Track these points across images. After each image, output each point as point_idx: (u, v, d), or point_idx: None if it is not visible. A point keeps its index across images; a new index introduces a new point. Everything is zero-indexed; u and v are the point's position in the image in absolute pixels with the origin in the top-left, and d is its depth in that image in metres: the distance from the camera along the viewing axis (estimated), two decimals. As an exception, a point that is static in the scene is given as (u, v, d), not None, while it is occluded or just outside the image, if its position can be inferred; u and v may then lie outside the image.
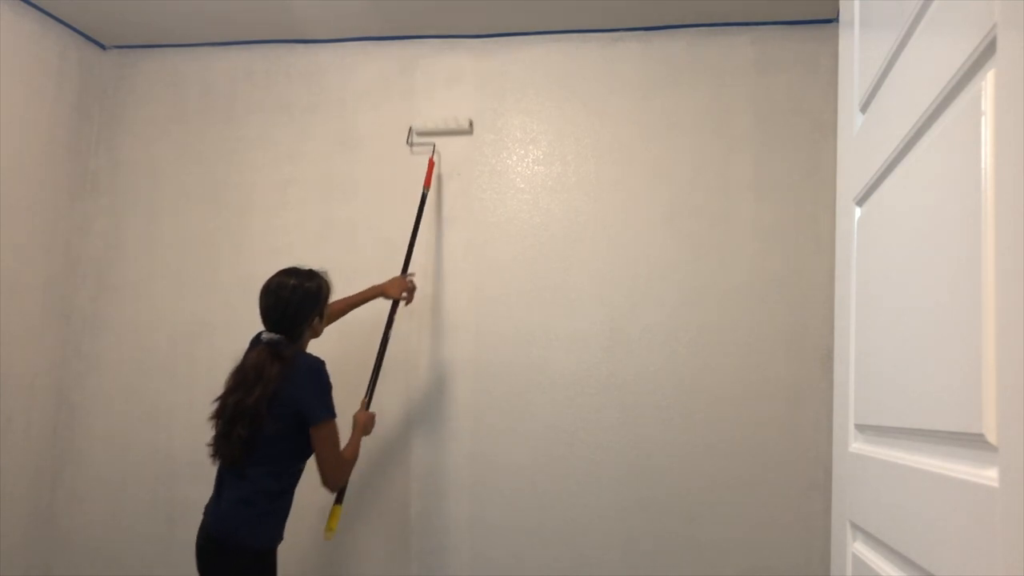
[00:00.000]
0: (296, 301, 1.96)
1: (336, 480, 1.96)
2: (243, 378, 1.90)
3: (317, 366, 1.96)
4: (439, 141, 2.69)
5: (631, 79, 2.62)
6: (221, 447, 1.89)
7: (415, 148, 2.69)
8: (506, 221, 2.64)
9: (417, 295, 2.63)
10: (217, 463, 1.94)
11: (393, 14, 2.60)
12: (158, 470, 2.72)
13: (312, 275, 2.03)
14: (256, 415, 1.84)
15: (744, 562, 2.37)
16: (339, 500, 2.15)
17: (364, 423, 2.15)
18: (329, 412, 1.92)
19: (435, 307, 2.63)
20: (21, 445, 2.63)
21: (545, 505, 2.50)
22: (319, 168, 2.77)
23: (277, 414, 1.87)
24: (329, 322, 2.29)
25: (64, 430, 2.79)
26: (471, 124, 2.68)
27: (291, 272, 2.02)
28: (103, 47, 2.94)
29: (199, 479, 2.63)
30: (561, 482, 2.50)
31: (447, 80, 2.73)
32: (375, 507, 2.58)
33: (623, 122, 2.61)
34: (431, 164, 2.62)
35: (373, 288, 2.39)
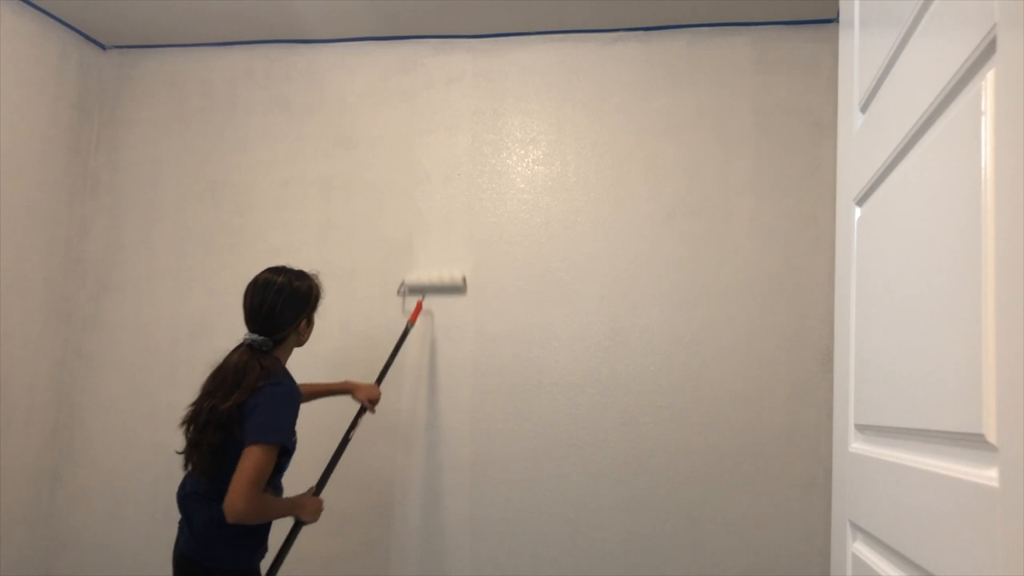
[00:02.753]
0: (283, 300, 1.85)
1: (240, 506, 1.65)
2: (222, 381, 1.79)
3: (288, 391, 1.81)
4: (431, 296, 2.63)
5: (631, 79, 2.62)
6: (192, 455, 1.79)
7: (407, 299, 2.64)
8: (506, 221, 2.64)
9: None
10: (185, 478, 1.85)
11: (393, 14, 2.60)
12: (158, 470, 2.72)
13: (303, 275, 1.93)
14: (229, 422, 1.73)
15: (744, 562, 2.37)
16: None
17: (306, 506, 1.92)
18: (271, 437, 1.71)
19: (435, 307, 2.63)
20: (21, 445, 2.63)
21: (545, 505, 2.50)
22: (319, 168, 2.77)
23: (240, 425, 1.74)
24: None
25: (64, 430, 2.79)
26: (465, 280, 2.62)
27: (280, 270, 1.91)
28: (103, 47, 2.95)
29: (199, 479, 2.64)
30: (561, 482, 2.50)
31: (447, 80, 2.74)
32: (375, 507, 2.58)
33: (623, 122, 2.61)
34: (419, 305, 2.57)
35: (346, 383, 2.29)
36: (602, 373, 2.52)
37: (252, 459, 1.68)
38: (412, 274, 2.64)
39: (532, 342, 2.57)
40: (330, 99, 2.80)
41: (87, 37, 2.87)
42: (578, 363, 2.53)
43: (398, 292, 2.65)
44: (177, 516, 2.65)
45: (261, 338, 1.85)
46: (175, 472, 2.68)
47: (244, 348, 1.85)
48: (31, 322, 2.66)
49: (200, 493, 1.80)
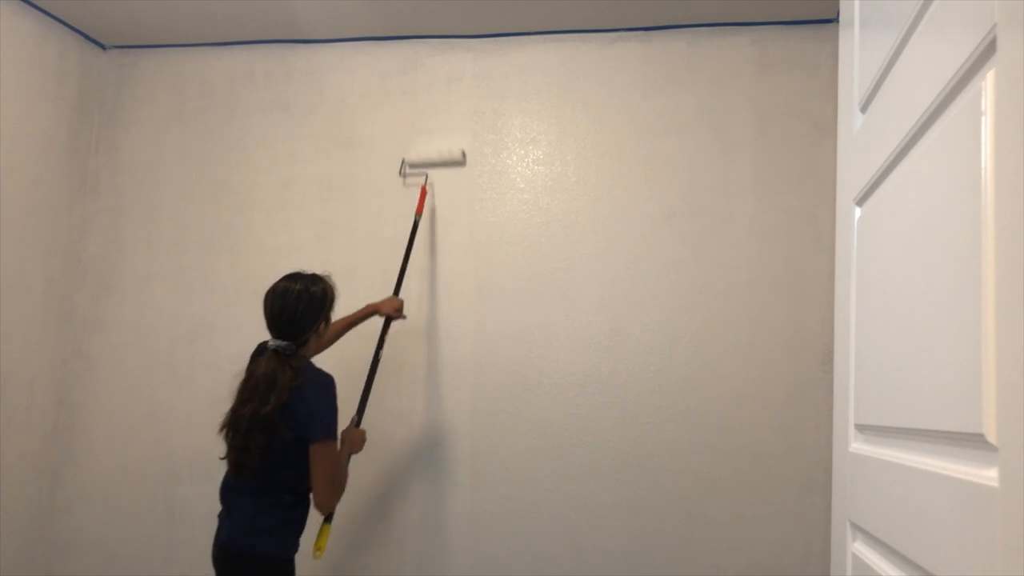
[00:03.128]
0: (303, 306, 1.93)
1: (329, 501, 1.91)
2: (255, 387, 1.87)
3: (326, 382, 1.94)
4: (432, 172, 2.68)
5: (631, 79, 2.62)
6: (240, 459, 1.86)
7: (408, 180, 2.68)
8: (506, 221, 2.64)
9: (418, 294, 2.64)
10: (227, 475, 1.93)
11: (393, 14, 2.60)
12: (158, 470, 2.72)
13: (317, 279, 2.01)
14: (273, 425, 1.83)
15: (744, 561, 2.37)
16: (328, 520, 2.07)
17: (352, 441, 2.09)
18: (329, 431, 1.89)
19: (435, 306, 2.63)
20: (21, 445, 2.63)
21: (545, 505, 2.50)
22: (319, 168, 2.77)
23: (287, 424, 1.84)
24: (328, 344, 2.26)
25: (64, 430, 2.79)
26: (464, 155, 2.66)
27: (296, 277, 1.99)
28: (103, 47, 2.95)
29: (199, 479, 2.64)
30: (561, 482, 2.50)
31: (447, 80, 2.74)
32: (375, 507, 2.58)
33: (623, 122, 2.61)
34: (423, 192, 2.61)
35: (368, 306, 2.37)
36: (602, 373, 2.52)
37: (323, 458, 1.87)
38: (411, 152, 2.69)
39: (532, 342, 2.57)
40: (330, 99, 2.80)
41: (87, 37, 2.87)
42: (578, 363, 2.53)
43: (400, 172, 2.69)
44: (179, 516, 2.67)
45: (285, 343, 1.93)
46: (175, 472, 2.71)
47: (270, 354, 1.92)
48: (31, 322, 2.65)
49: (244, 488, 1.91)
